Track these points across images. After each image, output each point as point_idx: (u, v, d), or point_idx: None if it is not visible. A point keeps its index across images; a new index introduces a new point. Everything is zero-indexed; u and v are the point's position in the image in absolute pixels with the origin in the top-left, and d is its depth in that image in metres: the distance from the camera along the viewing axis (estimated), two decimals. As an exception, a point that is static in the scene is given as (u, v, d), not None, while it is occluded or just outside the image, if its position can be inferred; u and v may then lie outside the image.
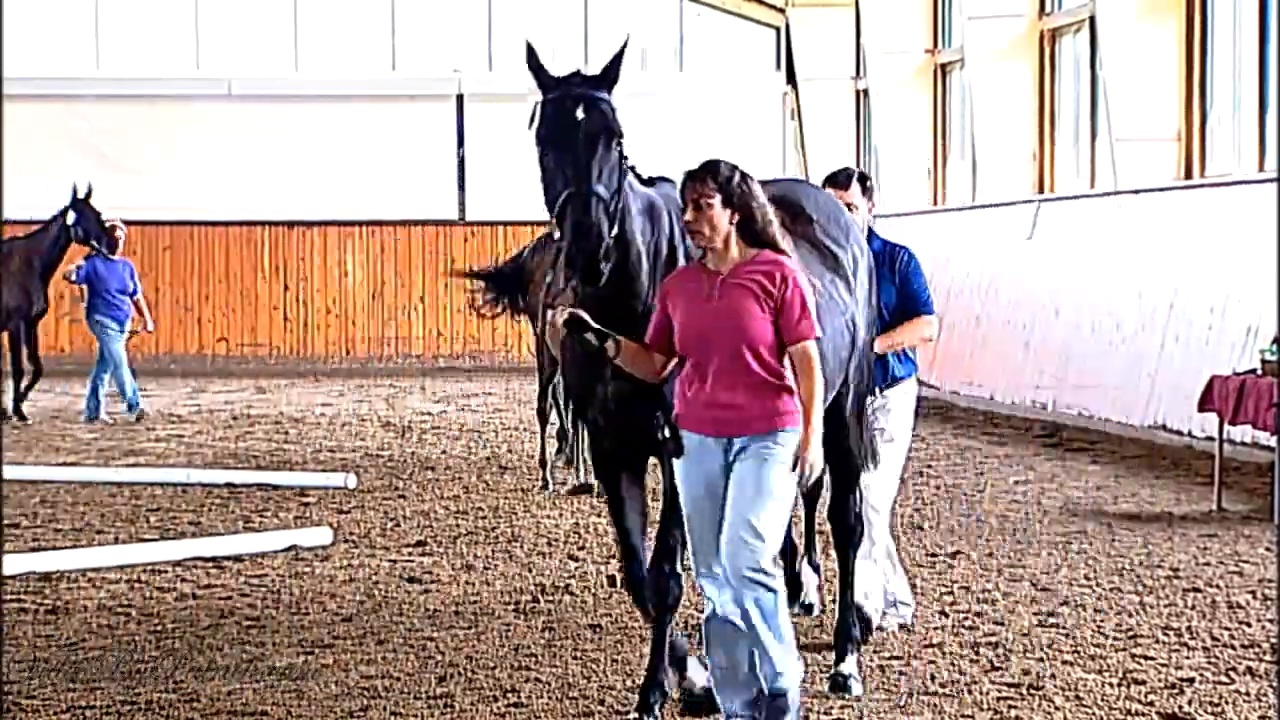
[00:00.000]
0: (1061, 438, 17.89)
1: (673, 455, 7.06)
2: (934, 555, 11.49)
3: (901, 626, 9.21)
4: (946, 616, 9.64)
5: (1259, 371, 13.04)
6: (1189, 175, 19.47)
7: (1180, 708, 7.76)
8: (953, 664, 8.57)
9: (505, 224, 28.78)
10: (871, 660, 8.65)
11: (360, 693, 8.04)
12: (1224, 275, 16.73)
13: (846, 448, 8.29)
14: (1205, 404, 13.48)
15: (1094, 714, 7.70)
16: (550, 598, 10.10)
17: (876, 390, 8.92)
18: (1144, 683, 8.18)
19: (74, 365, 21.49)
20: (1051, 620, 9.51)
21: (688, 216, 7.01)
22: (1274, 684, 8.15)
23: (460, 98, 29.66)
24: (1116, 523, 12.74)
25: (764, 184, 8.05)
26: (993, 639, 9.07)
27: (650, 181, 7.43)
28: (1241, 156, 18.73)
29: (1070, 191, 21.88)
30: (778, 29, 30.08)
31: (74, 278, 20.45)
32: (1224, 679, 8.25)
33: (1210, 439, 14.73)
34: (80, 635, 9.22)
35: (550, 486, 14.39)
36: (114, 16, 29.58)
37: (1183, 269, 17.53)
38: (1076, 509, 13.41)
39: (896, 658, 8.71)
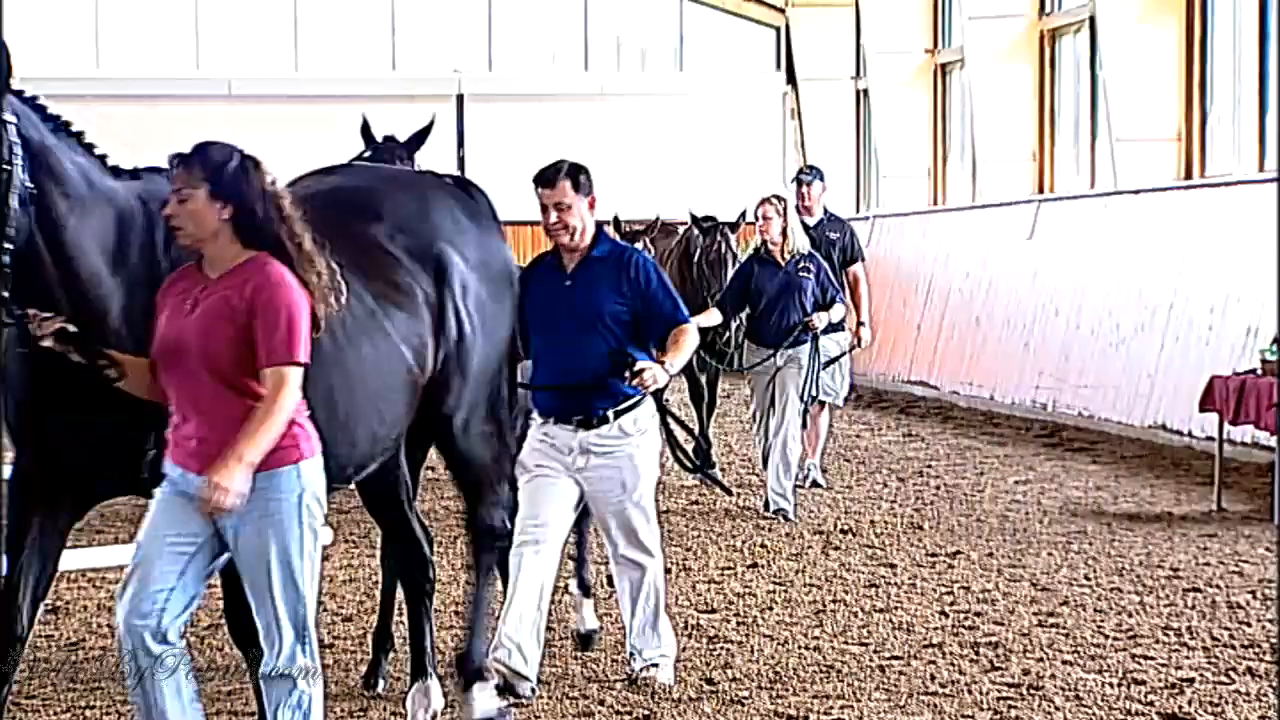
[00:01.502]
0: (1061, 438, 17.88)
1: (152, 487, 6.02)
2: (934, 555, 11.49)
3: (651, 666, 8.25)
4: (946, 616, 9.65)
5: (1259, 371, 13.04)
6: (1189, 175, 19.46)
7: (1180, 708, 7.76)
8: (953, 664, 8.57)
9: (506, 224, 28.64)
10: (871, 660, 8.66)
11: (360, 693, 8.04)
12: (1224, 275, 16.72)
13: (473, 478, 7.48)
14: (1206, 404, 13.47)
15: (1094, 714, 7.70)
16: (550, 598, 10.08)
17: (594, 417, 8.00)
18: (1144, 683, 8.18)
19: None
20: (1051, 620, 9.51)
21: (167, 210, 5.92)
22: (1274, 684, 8.15)
23: (460, 98, 29.64)
24: (1116, 523, 12.74)
25: (333, 170, 7.42)
26: (993, 639, 9.07)
27: (135, 175, 6.35)
28: (1241, 156, 18.73)
29: (1070, 191, 21.88)
30: (778, 29, 30.06)
31: None
32: (1224, 679, 8.25)
33: (1210, 439, 14.73)
34: (80, 635, 9.22)
35: None
36: (114, 16, 29.56)
37: (1183, 269, 17.52)
38: (1076, 509, 13.40)
39: (896, 658, 8.71)
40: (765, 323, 13.06)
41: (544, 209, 8.03)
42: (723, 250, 14.76)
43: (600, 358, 7.94)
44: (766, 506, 13.12)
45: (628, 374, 7.83)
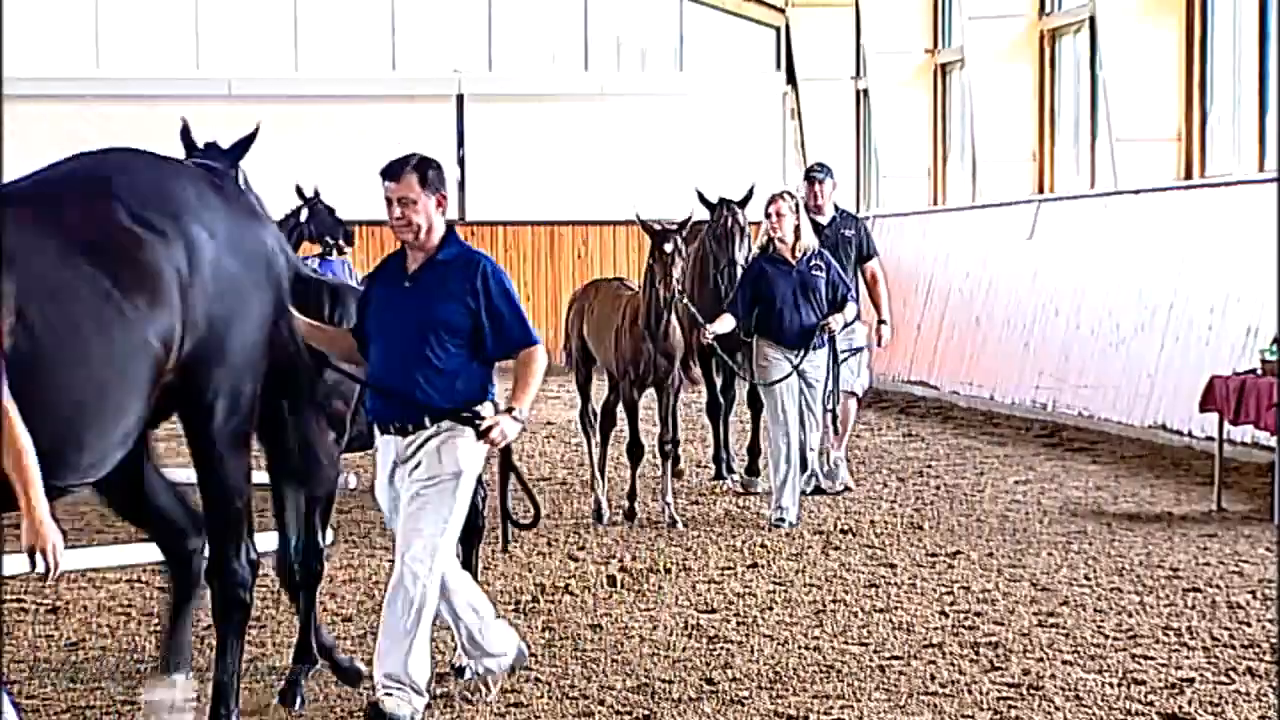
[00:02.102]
0: (1061, 438, 17.89)
1: None
2: (934, 555, 11.49)
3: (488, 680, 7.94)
4: (946, 616, 9.65)
5: (1259, 371, 13.04)
6: (1189, 175, 19.46)
7: (1180, 708, 7.77)
8: (953, 664, 8.57)
9: (505, 224, 28.76)
10: (872, 660, 8.66)
11: (361, 693, 8.04)
12: (1224, 275, 16.73)
13: (221, 493, 6.97)
14: (1206, 404, 13.47)
15: (1094, 714, 7.71)
16: (550, 598, 10.10)
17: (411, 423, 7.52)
18: (1144, 683, 8.18)
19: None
20: (1051, 620, 9.51)
21: None
22: (1274, 684, 8.15)
23: (460, 98, 29.63)
24: (1116, 523, 12.74)
25: (74, 158, 6.92)
26: (993, 639, 9.07)
27: None
28: (1241, 156, 18.73)
29: (1070, 191, 21.88)
30: (778, 29, 30.07)
31: None
32: (1224, 679, 8.25)
33: (1210, 439, 14.73)
34: (80, 635, 9.22)
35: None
36: (114, 16, 29.56)
37: (1183, 269, 17.53)
38: (1076, 509, 13.40)
39: (896, 658, 8.71)
40: (782, 324, 12.68)
41: (388, 203, 7.47)
42: (729, 225, 14.46)
43: (432, 364, 7.45)
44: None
45: (475, 432, 7.43)
